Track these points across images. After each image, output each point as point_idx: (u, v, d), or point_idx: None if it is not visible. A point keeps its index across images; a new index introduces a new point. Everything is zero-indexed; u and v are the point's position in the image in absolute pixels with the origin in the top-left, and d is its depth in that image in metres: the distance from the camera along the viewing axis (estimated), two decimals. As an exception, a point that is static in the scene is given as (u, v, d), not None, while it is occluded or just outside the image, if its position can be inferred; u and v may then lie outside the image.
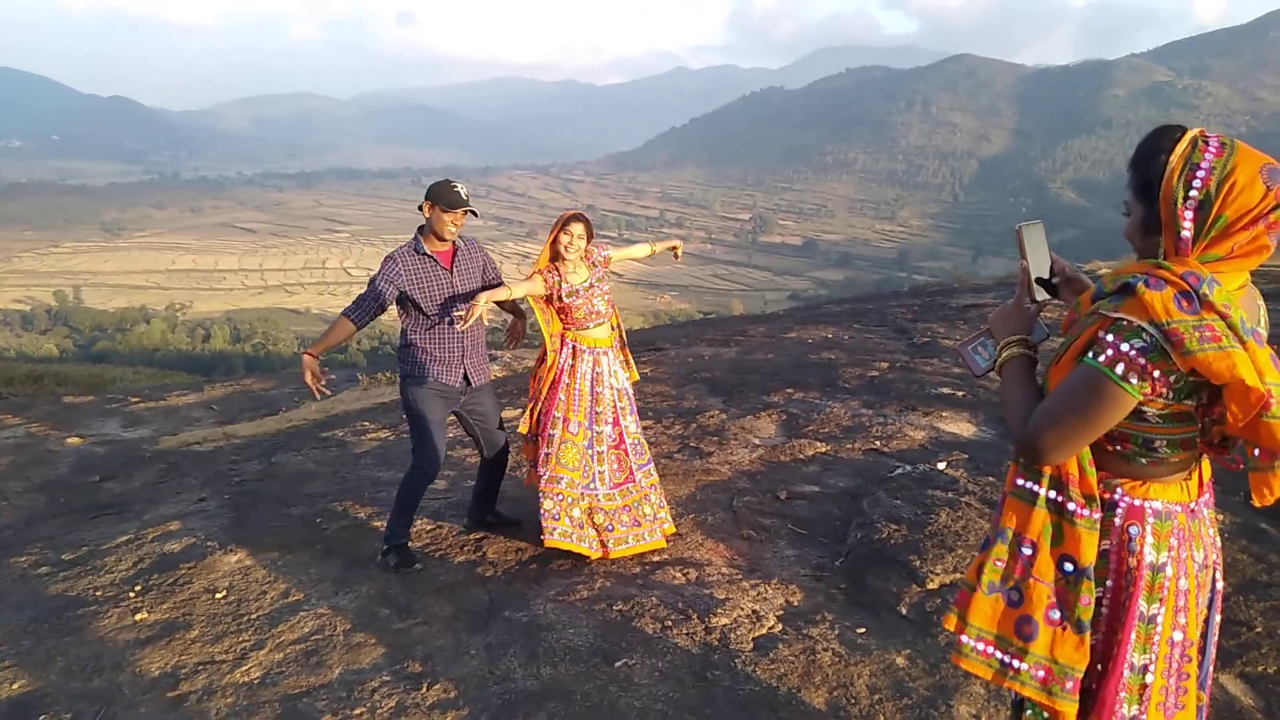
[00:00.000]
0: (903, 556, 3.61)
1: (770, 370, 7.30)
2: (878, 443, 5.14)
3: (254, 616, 3.50)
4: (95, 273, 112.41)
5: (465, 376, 3.83)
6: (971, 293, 11.86)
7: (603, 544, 3.81)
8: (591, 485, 3.78)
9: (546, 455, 3.77)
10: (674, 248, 4.17)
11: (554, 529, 3.74)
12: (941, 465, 4.64)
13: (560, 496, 3.75)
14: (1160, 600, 1.55)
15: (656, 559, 3.82)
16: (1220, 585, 1.65)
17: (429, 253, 3.71)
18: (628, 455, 3.85)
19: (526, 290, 3.75)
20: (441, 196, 3.61)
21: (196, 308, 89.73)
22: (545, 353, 3.83)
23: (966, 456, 4.78)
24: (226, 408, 8.51)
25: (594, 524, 3.80)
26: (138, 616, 3.54)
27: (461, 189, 3.67)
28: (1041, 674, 1.58)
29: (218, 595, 3.70)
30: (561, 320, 3.85)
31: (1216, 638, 1.69)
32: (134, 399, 9.12)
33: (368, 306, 3.71)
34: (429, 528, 4.30)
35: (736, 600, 3.38)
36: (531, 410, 3.89)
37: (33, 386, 12.49)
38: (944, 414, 5.60)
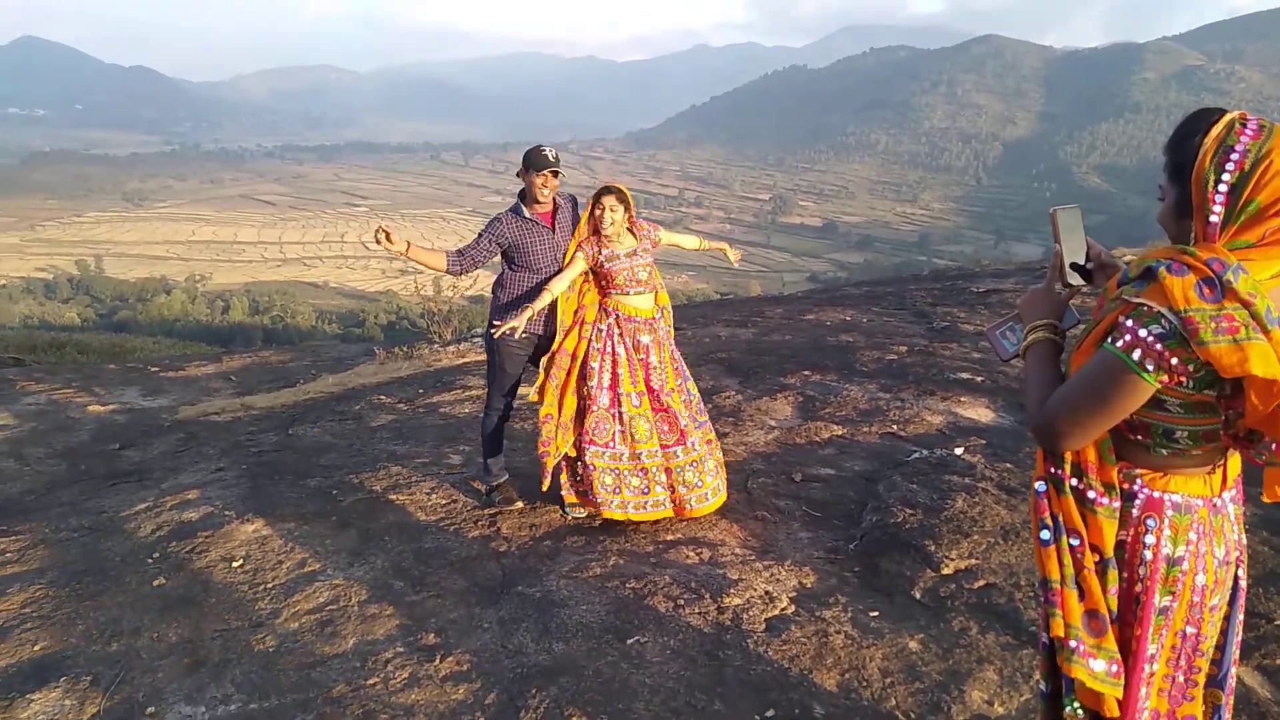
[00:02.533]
0: (918, 541, 3.60)
1: (787, 352, 7.27)
2: (894, 427, 5.11)
3: (270, 586, 3.54)
4: (117, 242, 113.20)
5: (545, 325, 4.03)
6: (993, 277, 11.73)
7: (675, 502, 3.90)
8: (654, 451, 3.86)
9: (620, 432, 3.83)
10: (724, 250, 4.26)
11: (644, 502, 3.85)
12: (959, 450, 4.61)
13: (647, 471, 3.83)
14: (1173, 594, 1.52)
15: (670, 538, 3.82)
16: (1244, 583, 1.61)
17: (530, 216, 3.94)
18: (677, 419, 3.88)
19: (569, 280, 3.84)
20: (530, 161, 3.84)
21: (216, 279, 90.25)
22: (566, 324, 3.89)
23: (984, 442, 4.74)
24: (245, 379, 8.57)
25: (675, 483, 3.88)
26: (156, 583, 3.58)
27: (549, 152, 3.88)
28: (1115, 669, 1.53)
29: (235, 564, 3.74)
30: (602, 288, 3.89)
31: (1240, 636, 1.65)
32: (154, 368, 9.20)
33: (469, 255, 3.98)
34: (443, 502, 4.32)
35: (749, 581, 3.37)
36: (561, 384, 3.87)
37: (55, 354, 12.63)
38: (962, 399, 5.55)
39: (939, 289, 10.86)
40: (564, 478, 3.99)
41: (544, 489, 3.96)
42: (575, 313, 3.91)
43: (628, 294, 3.86)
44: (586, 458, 3.84)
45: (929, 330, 8.04)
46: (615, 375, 3.84)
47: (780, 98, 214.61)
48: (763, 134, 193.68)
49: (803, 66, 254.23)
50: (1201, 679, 1.58)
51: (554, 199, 3.99)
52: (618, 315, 3.87)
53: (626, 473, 3.83)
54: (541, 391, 3.88)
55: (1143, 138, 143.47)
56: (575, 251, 3.85)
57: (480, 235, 3.98)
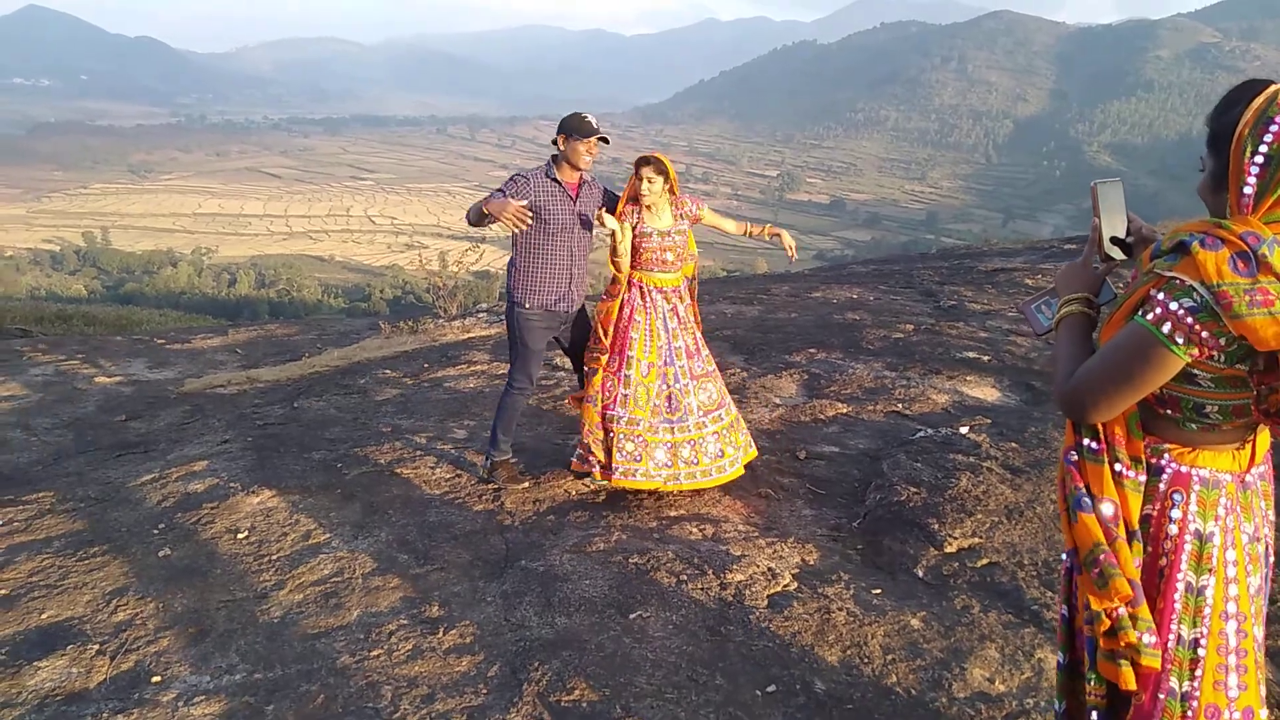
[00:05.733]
0: (921, 519, 3.60)
1: (793, 330, 7.24)
2: (900, 405, 5.10)
3: (275, 557, 3.55)
4: (123, 214, 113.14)
5: (571, 302, 4.01)
6: (1001, 256, 11.66)
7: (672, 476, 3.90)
8: (660, 421, 3.88)
9: (625, 396, 3.83)
10: (781, 237, 4.05)
11: (635, 470, 3.81)
12: (964, 429, 4.60)
13: (640, 439, 3.82)
14: (1210, 571, 1.50)
15: (674, 514, 3.83)
16: (1272, 559, 1.58)
17: (559, 179, 3.84)
18: (680, 395, 3.90)
19: (625, 237, 3.86)
20: (575, 127, 3.76)
21: (222, 252, 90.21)
22: (613, 288, 3.95)
23: (990, 421, 4.73)
24: (250, 352, 8.58)
25: (678, 457, 3.88)
26: (162, 553, 3.60)
27: (592, 119, 3.81)
28: (1152, 640, 1.49)
29: (240, 535, 3.76)
30: (634, 260, 3.93)
31: (1265, 614, 1.62)
32: (160, 340, 9.22)
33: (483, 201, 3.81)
34: (448, 476, 4.33)
35: (752, 557, 3.38)
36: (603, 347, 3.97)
37: (62, 326, 12.66)
38: (968, 378, 5.53)
39: (946, 268, 10.80)
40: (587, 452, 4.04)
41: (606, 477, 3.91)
42: (614, 284, 3.97)
43: (652, 271, 3.91)
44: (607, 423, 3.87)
45: (936, 309, 8.00)
46: (629, 339, 3.87)
47: (789, 73, 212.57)
48: (771, 110, 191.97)
49: (812, 41, 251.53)
50: (1250, 662, 1.54)
51: (582, 176, 3.91)
52: (642, 286, 3.92)
53: (622, 436, 3.83)
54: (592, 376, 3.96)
55: (1155, 116, 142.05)
56: (620, 218, 3.87)
57: (501, 190, 3.77)
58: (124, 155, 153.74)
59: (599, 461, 3.91)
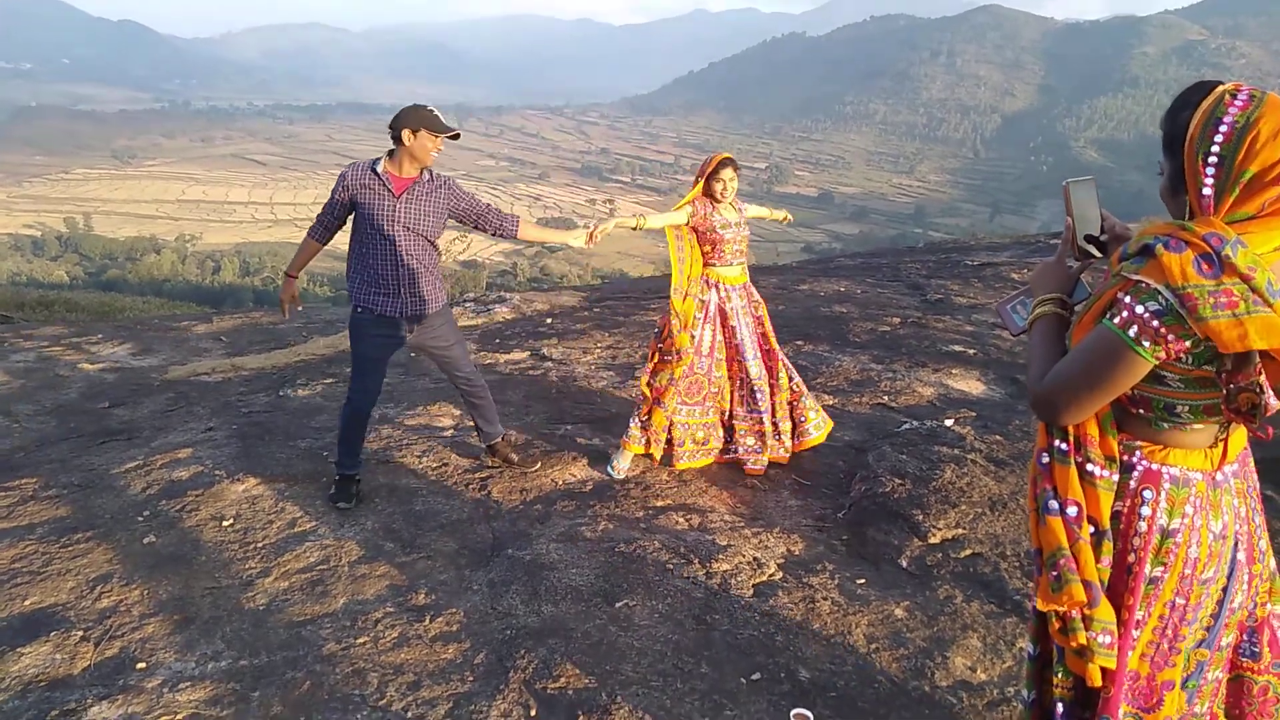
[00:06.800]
0: (906, 511, 3.62)
1: (781, 322, 7.23)
2: (886, 397, 5.13)
3: (260, 545, 3.54)
4: (105, 200, 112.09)
5: (411, 306, 3.66)
6: (987, 250, 11.72)
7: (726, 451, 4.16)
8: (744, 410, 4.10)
9: (715, 394, 4.06)
10: (785, 218, 4.47)
11: (697, 452, 4.10)
12: (949, 422, 4.63)
13: (687, 426, 4.05)
14: (1165, 565, 1.53)
15: (660, 504, 3.84)
16: (1242, 557, 1.59)
17: (382, 174, 3.54)
18: (750, 383, 4.06)
19: (665, 222, 3.96)
20: (427, 121, 3.47)
21: (206, 239, 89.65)
22: (680, 296, 4.00)
23: (974, 414, 4.77)
24: (235, 339, 8.52)
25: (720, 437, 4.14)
26: (146, 540, 3.59)
27: (441, 114, 3.57)
28: (1109, 640, 1.54)
29: (225, 523, 3.74)
30: (705, 255, 4.03)
31: (1246, 605, 1.63)
32: (143, 328, 9.14)
33: (327, 222, 3.70)
34: (434, 464, 4.33)
35: (738, 547, 3.40)
36: (661, 352, 4.03)
37: (44, 312, 12.55)
38: (954, 371, 5.57)
39: (933, 261, 10.85)
40: (635, 430, 4.10)
41: (657, 459, 4.15)
42: (690, 280, 4.00)
43: (730, 265, 4.03)
44: (681, 416, 4.05)
45: (922, 302, 8.04)
46: (714, 341, 4.03)
47: (778, 65, 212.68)
48: (760, 102, 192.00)
49: (802, 34, 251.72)
50: (1184, 646, 1.59)
51: (422, 174, 3.61)
52: (718, 285, 4.04)
53: (712, 426, 4.09)
54: (657, 377, 4.05)
55: (1141, 112, 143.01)
56: (682, 205, 3.98)
57: (331, 193, 3.62)
58: (107, 140, 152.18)
59: (654, 454, 4.13)
